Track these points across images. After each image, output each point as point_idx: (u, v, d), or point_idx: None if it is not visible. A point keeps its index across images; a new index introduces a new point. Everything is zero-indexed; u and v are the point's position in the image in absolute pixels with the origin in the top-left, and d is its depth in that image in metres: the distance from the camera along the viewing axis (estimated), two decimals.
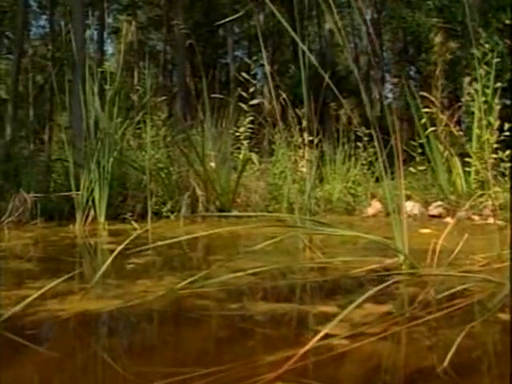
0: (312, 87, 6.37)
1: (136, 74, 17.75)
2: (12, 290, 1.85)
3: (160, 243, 2.20)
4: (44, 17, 22.59)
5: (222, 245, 3.25)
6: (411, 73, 21.61)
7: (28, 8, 18.29)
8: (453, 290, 1.68)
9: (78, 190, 4.34)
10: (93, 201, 4.41)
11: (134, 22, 20.52)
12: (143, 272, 2.22)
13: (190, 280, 1.74)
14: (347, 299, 1.73)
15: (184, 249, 3.03)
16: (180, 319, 1.54)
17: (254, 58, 6.04)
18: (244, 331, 1.39)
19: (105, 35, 21.37)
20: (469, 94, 5.03)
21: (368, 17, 21.55)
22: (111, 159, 4.54)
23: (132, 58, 18.62)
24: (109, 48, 26.37)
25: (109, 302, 1.64)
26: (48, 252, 2.94)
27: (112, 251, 2.83)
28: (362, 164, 5.93)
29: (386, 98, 22.05)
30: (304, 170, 4.59)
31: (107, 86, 5.01)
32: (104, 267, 1.75)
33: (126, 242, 1.82)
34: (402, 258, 2.14)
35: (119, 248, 1.77)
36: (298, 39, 2.39)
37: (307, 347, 1.12)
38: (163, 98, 5.76)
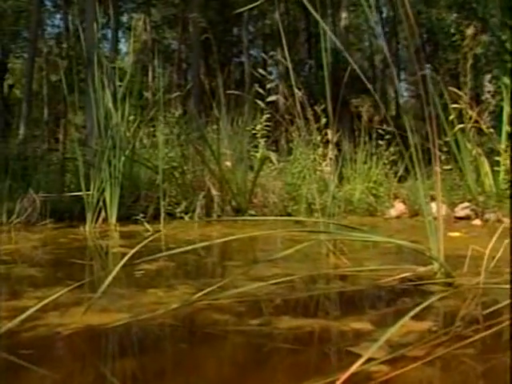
0: (328, 85, 6.23)
1: (150, 72, 17.71)
2: (11, 299, 1.71)
3: (174, 251, 2.04)
4: (58, 16, 22.68)
5: (238, 249, 3.10)
6: (427, 71, 21.37)
7: (42, 7, 18.37)
8: (500, 305, 1.51)
9: (88, 189, 4.21)
10: (104, 201, 4.28)
11: (148, 21, 20.55)
12: (155, 280, 2.08)
13: (205, 291, 1.59)
14: (380, 313, 1.57)
15: (198, 253, 2.89)
16: (195, 337, 1.38)
17: (271, 53, 5.88)
18: (268, 352, 1.24)
19: (120, 34, 21.40)
20: (495, 91, 4.83)
21: (384, 15, 21.46)
22: (123, 158, 4.41)
23: (146, 57, 18.61)
24: (123, 47, 26.37)
25: (115, 315, 1.49)
26: (55, 256, 2.81)
27: (123, 255, 2.70)
28: (384, 163, 5.74)
29: (402, 96, 21.79)
30: (328, 168, 4.42)
31: (119, 83, 4.88)
32: (111, 275, 1.60)
33: (135, 249, 1.67)
34: (436, 265, 1.97)
35: (129, 255, 1.62)
36: (328, 31, 2.22)
37: (343, 376, 0.97)
38: (177, 93, 5.61)
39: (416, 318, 1.38)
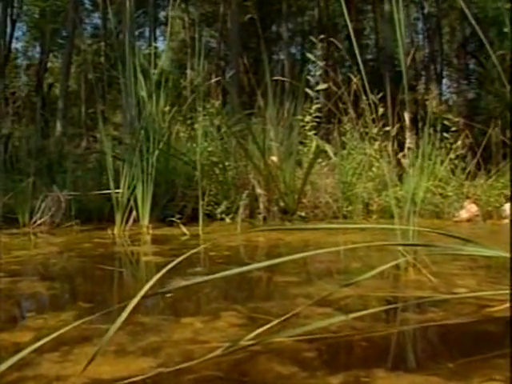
0: (371, 81, 5.80)
1: (188, 70, 17.57)
2: (4, 330, 1.34)
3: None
4: (97, 15, 22.84)
5: (291, 259, 2.67)
6: (471, 66, 20.96)
7: (80, 6, 18.54)
8: None
9: (117, 187, 3.86)
10: (135, 200, 3.92)
11: (186, 18, 20.50)
12: (191, 303, 1.67)
13: (261, 329, 1.18)
14: None
15: (243, 263, 2.48)
16: None
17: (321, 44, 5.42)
18: None
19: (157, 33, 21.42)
20: None
21: (425, 10, 20.96)
22: (157, 152, 4.04)
23: (184, 56, 18.54)
24: (161, 46, 26.39)
25: (135, 362, 1.10)
26: (72, 266, 2.45)
27: (156, 266, 2.31)
28: (451, 159, 5.21)
29: (443, 94, 21.12)
30: (406, 161, 3.95)
31: (153, 70, 4.54)
32: (135, 300, 1.18)
33: (169, 266, 1.26)
34: None
35: (159, 274, 1.22)
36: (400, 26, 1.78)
37: None
38: (217, 78, 5.22)
39: None
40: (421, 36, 22.99)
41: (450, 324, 1.41)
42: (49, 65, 22.51)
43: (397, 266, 2.18)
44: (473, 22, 1.73)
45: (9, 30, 17.62)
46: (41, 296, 1.76)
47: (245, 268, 1.16)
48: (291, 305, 1.58)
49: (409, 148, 3.83)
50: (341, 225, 3.38)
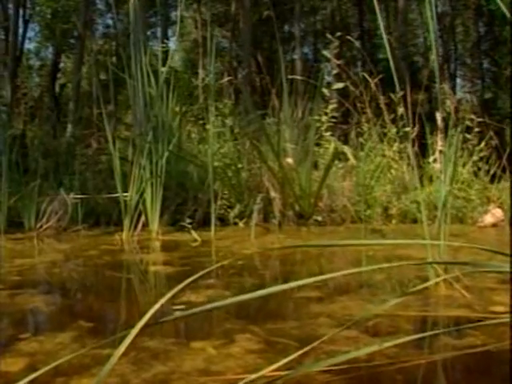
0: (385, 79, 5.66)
1: (200, 70, 17.51)
2: None
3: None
4: (109, 15, 22.87)
5: (309, 268, 2.54)
6: (485, 65, 20.84)
7: (93, 7, 18.58)
8: None
9: (126, 190, 3.73)
10: (144, 204, 3.79)
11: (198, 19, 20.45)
12: (202, 322, 1.53)
13: (281, 363, 1.04)
14: None
15: (258, 274, 2.34)
16: None
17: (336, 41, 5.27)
18: None
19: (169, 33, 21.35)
20: None
21: (439, 9, 20.82)
22: (166, 153, 3.91)
23: (196, 56, 18.50)
24: (172, 46, 26.35)
25: None
26: (76, 276, 2.32)
27: (164, 276, 2.18)
28: (474, 161, 5.03)
29: (454, 94, 20.99)
30: (437, 165, 3.78)
31: (162, 68, 4.41)
32: (141, 323, 1.04)
33: (181, 285, 1.13)
34: None
35: (165, 297, 1.08)
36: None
37: None
38: (229, 78, 5.08)
39: None
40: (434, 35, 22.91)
41: (493, 351, 1.26)
42: (61, 65, 22.56)
43: (426, 280, 2.04)
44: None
45: (21, 30, 17.66)
46: (39, 313, 1.63)
47: (263, 291, 1.01)
48: (313, 326, 1.45)
49: (440, 151, 3.65)
50: (371, 240, 3.16)
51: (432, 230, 2.20)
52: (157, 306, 0.95)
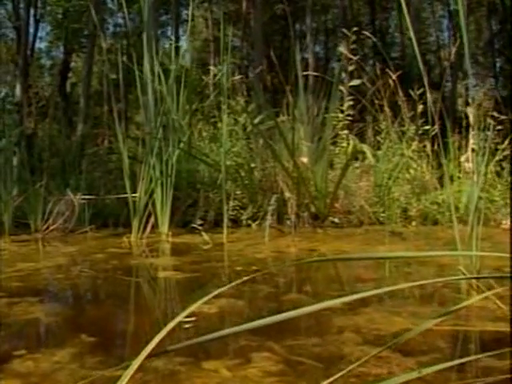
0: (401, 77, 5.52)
1: (211, 67, 17.46)
2: None
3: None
4: (120, 14, 22.89)
5: (326, 274, 2.40)
6: (499, 64, 20.65)
7: (104, 6, 18.63)
8: None
9: (135, 191, 3.62)
10: (153, 205, 3.67)
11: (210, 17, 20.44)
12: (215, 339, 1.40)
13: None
14: None
15: (274, 281, 2.21)
16: None
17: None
18: None
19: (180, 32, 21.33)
20: None
21: (451, 7, 20.63)
22: (177, 152, 3.79)
23: (207, 55, 18.46)
24: (184, 44, 26.32)
25: None
26: (81, 283, 2.20)
27: (174, 283, 2.05)
28: (497, 161, 4.85)
29: (466, 92, 20.83)
30: (469, 165, 3.62)
31: (173, 66, 4.29)
32: (151, 345, 0.90)
33: (190, 308, 1.00)
34: None
35: (176, 319, 0.95)
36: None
37: None
38: (240, 76, 4.94)
39: None
40: (446, 34, 22.74)
41: None
42: (72, 64, 22.60)
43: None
44: None
45: (32, 30, 17.69)
46: (37, 325, 1.51)
47: (285, 315, 0.88)
48: (337, 343, 1.31)
49: (473, 150, 3.48)
50: (406, 253, 2.95)
51: (453, 232, 2.07)
52: (157, 339, 0.82)
